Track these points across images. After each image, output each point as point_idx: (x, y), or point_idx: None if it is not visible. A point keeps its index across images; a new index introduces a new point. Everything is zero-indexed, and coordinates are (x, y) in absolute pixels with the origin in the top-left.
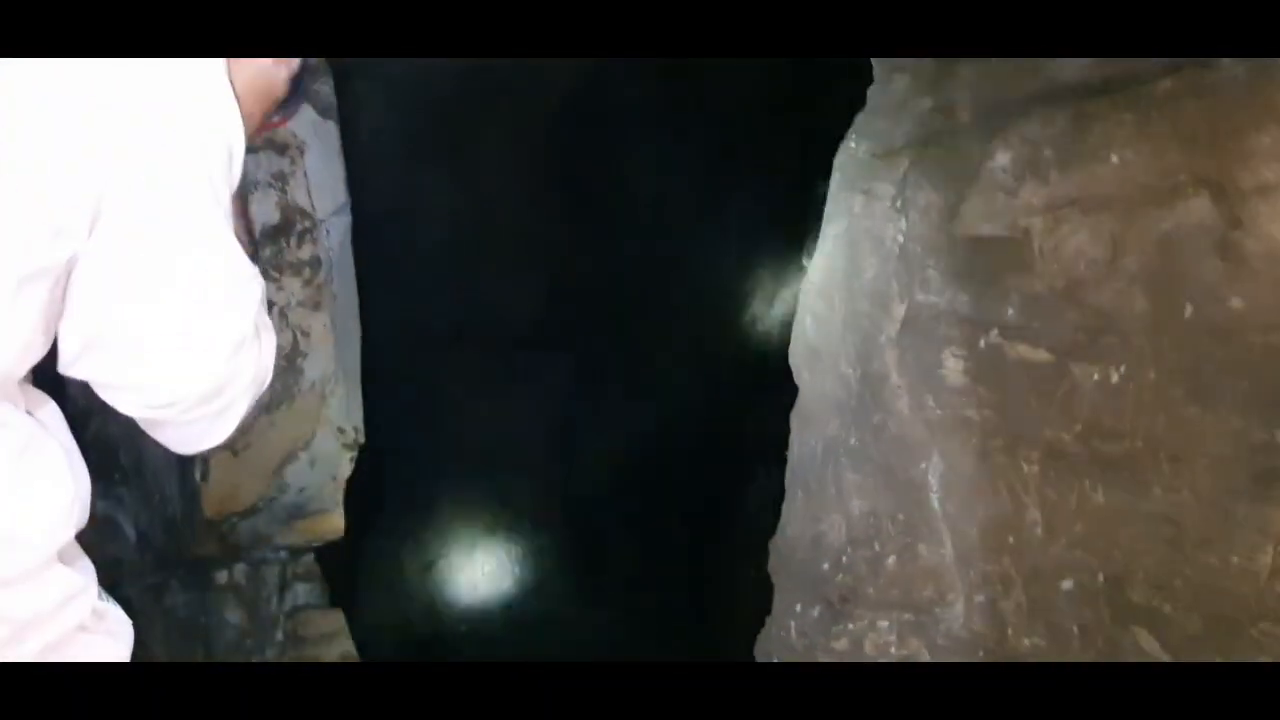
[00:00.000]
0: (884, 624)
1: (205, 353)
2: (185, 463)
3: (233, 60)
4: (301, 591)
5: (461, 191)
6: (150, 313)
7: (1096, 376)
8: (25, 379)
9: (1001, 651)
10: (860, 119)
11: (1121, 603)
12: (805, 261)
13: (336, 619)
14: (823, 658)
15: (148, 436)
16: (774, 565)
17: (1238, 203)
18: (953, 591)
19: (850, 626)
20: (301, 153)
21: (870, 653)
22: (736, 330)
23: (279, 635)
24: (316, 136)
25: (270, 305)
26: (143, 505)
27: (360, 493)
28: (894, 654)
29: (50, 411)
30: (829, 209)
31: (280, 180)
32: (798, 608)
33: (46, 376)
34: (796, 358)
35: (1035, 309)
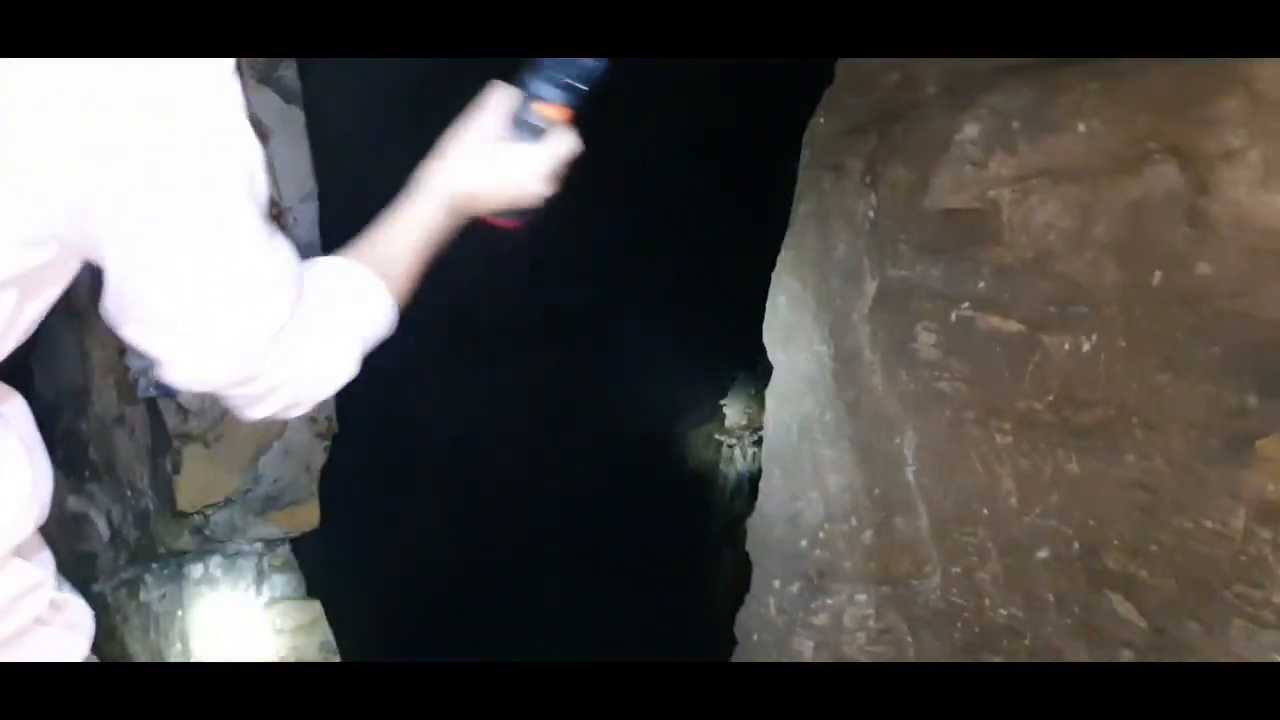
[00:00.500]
0: (862, 597)
1: (223, 349)
2: (157, 456)
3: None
4: (279, 583)
5: None
6: (167, 306)
7: (1068, 346)
8: None
9: (979, 622)
10: (828, 95)
11: (1097, 570)
12: (776, 240)
13: (314, 609)
14: (802, 633)
15: (117, 431)
16: (752, 544)
17: (1204, 169)
18: (929, 564)
19: (829, 601)
20: (266, 140)
21: (849, 626)
22: (709, 312)
23: (257, 627)
24: (281, 123)
25: None
26: (115, 500)
27: (335, 482)
28: (872, 627)
29: (15, 406)
30: (799, 187)
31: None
32: (776, 584)
33: (16, 371)
34: (770, 337)
35: (1006, 280)
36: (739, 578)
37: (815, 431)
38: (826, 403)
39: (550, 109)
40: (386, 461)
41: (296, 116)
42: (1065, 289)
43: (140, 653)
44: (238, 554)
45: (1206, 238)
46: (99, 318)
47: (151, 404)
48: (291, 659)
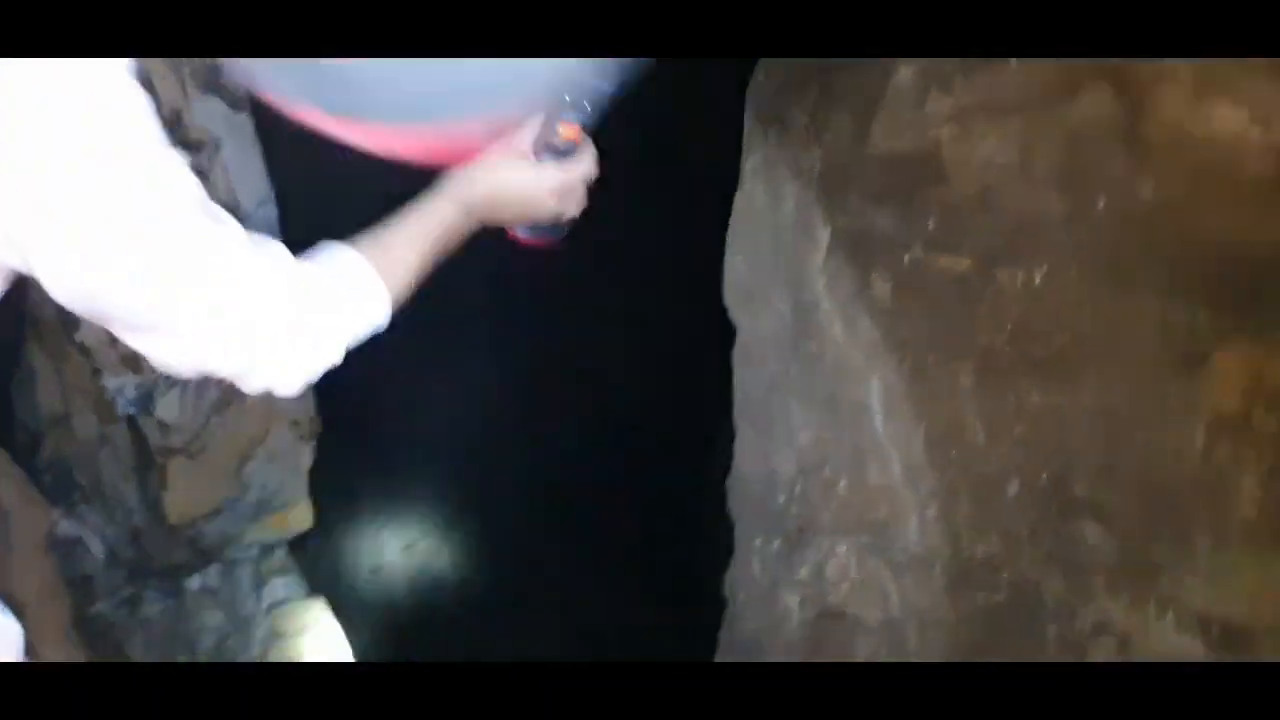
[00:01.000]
0: (842, 549)
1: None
2: (142, 473)
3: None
4: (279, 586)
5: (393, 174)
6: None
7: (1020, 280)
8: None
9: (957, 562)
10: None
11: (1067, 498)
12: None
13: (317, 609)
14: (785, 590)
15: (102, 452)
16: (732, 504)
17: (1139, 92)
18: (905, 509)
19: (810, 555)
20: (217, 148)
21: (831, 577)
22: (667, 279)
23: (260, 633)
24: (230, 130)
25: None
26: (107, 520)
27: (326, 480)
28: (854, 577)
29: None
30: (745, 143)
31: (199, 176)
32: (758, 543)
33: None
34: (731, 298)
35: (954, 220)
36: (729, 542)
37: (782, 388)
38: (790, 358)
39: (569, 129)
40: (379, 455)
41: (244, 123)
42: (1012, 222)
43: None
44: (234, 562)
45: (1146, 159)
46: (71, 342)
47: (132, 421)
48: (295, 659)
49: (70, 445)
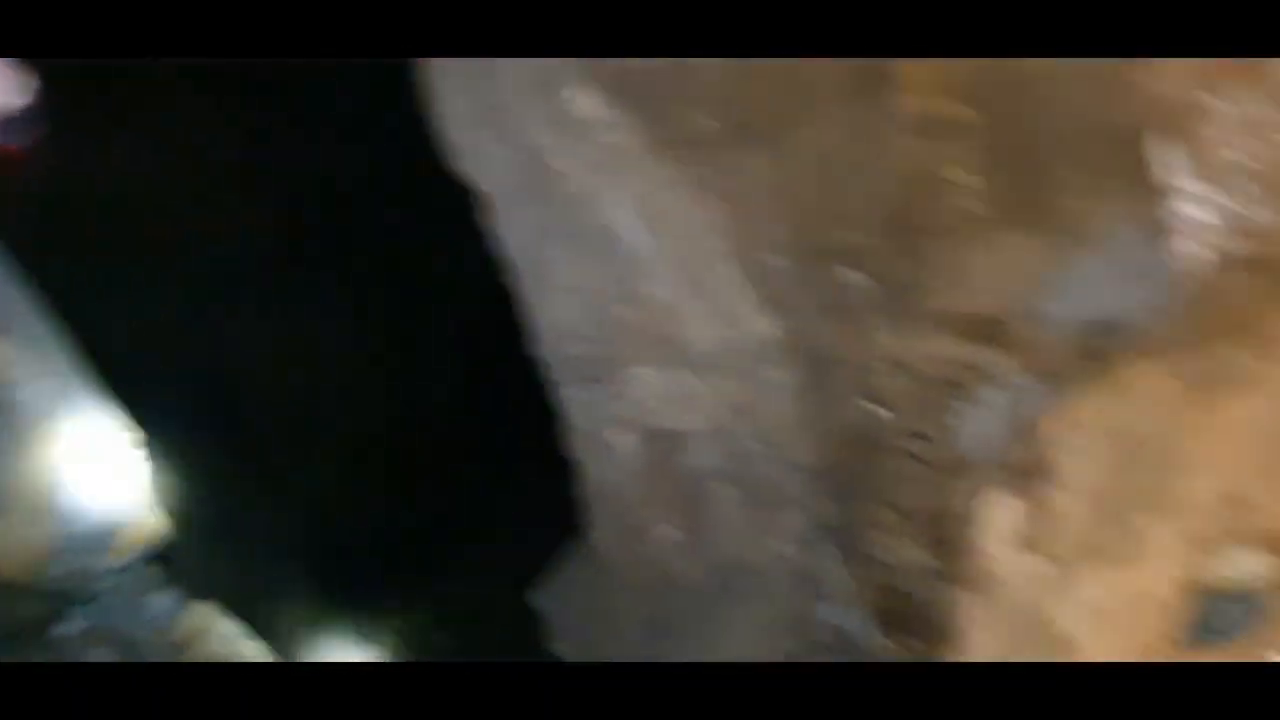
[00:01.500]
0: (647, 372)
1: None
2: None
3: None
4: (157, 602)
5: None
6: None
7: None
8: None
9: (751, 341)
10: None
11: (821, 250)
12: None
13: (205, 611)
14: (609, 430)
15: None
16: (548, 366)
17: None
18: (688, 314)
19: (620, 389)
20: None
21: (646, 401)
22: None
23: (158, 652)
24: None
25: None
26: None
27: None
28: (666, 394)
29: None
30: None
31: None
32: (573, 394)
33: None
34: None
35: None
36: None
37: (542, 241)
38: (534, 207)
39: None
40: (221, 447)
41: None
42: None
43: None
44: (101, 593)
45: None
46: None
47: None
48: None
49: None
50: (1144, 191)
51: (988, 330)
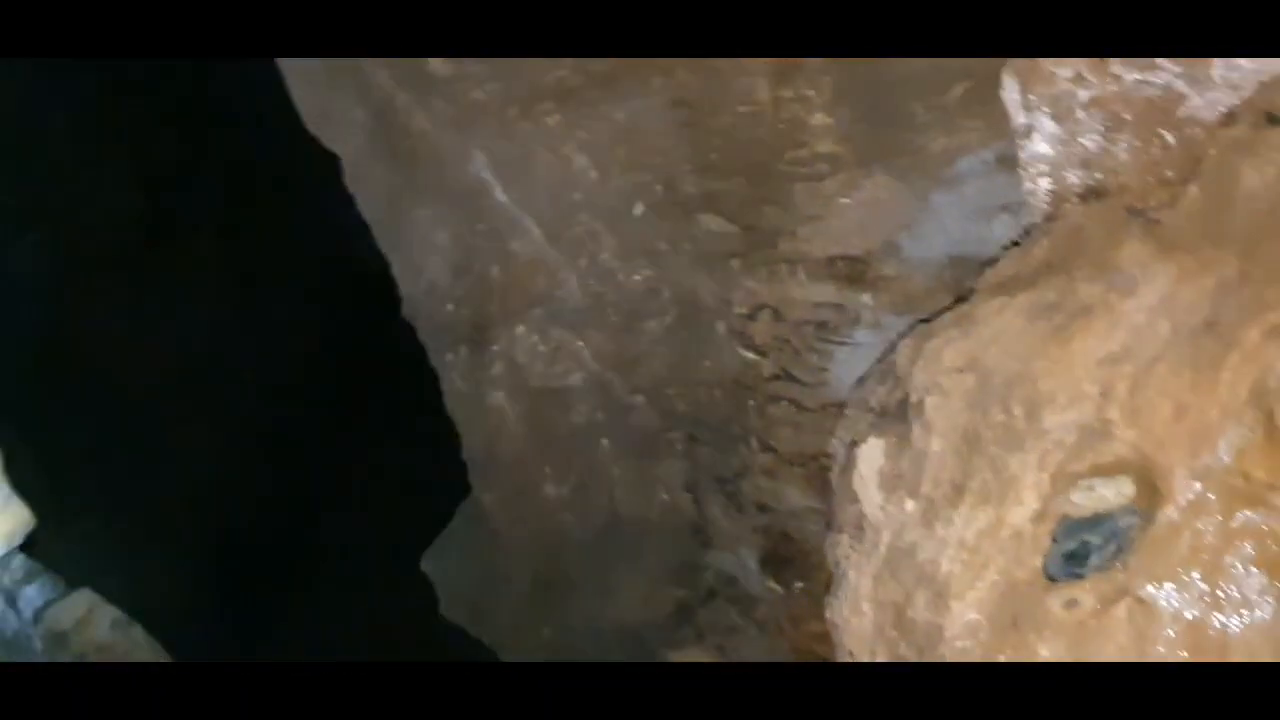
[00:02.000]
0: (521, 330)
1: None
2: None
3: None
4: (32, 593)
5: None
6: None
7: None
8: None
9: (628, 301)
10: None
11: (683, 198)
12: None
13: (85, 598)
14: (488, 390)
15: None
16: (421, 332)
17: None
18: (560, 269)
19: (495, 348)
20: None
21: (523, 361)
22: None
23: (41, 644)
24: None
25: None
26: None
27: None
28: (543, 351)
29: None
30: None
31: None
32: (448, 357)
33: None
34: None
35: None
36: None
37: (401, 199)
38: (391, 168)
39: None
40: (79, 431)
41: None
42: None
43: None
44: None
45: None
46: None
47: None
48: (92, 654)
49: None
50: (999, 129)
51: (853, 271)
